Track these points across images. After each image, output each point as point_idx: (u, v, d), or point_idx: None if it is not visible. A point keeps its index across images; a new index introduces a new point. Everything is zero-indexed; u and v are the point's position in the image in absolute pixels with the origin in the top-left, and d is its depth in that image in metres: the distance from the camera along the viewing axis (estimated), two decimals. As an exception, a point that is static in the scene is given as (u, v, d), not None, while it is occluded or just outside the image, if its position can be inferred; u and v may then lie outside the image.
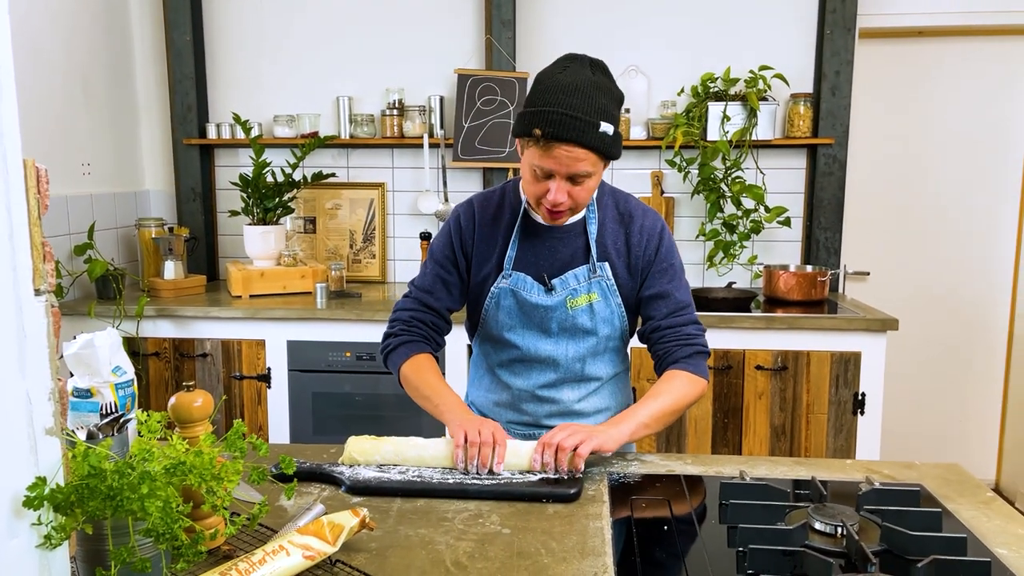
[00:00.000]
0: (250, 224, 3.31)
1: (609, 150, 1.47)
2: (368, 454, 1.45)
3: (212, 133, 3.54)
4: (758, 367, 2.92)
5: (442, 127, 3.44)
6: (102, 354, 1.49)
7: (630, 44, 3.46)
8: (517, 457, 1.44)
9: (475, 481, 1.39)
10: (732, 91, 3.32)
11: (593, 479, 1.44)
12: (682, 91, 3.43)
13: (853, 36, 3.27)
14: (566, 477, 1.41)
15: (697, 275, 3.54)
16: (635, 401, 1.65)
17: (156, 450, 1.01)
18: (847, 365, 2.89)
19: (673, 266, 1.66)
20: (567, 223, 1.64)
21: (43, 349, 0.89)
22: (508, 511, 1.31)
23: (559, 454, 1.42)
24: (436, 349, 1.73)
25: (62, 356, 1.36)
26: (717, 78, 3.33)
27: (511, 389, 1.71)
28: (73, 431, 1.22)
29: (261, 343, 3.04)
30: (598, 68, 1.50)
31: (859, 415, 2.91)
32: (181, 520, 0.95)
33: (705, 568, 1.14)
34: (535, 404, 1.71)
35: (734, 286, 3.32)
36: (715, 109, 3.28)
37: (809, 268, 3.31)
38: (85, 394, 1.50)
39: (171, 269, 3.28)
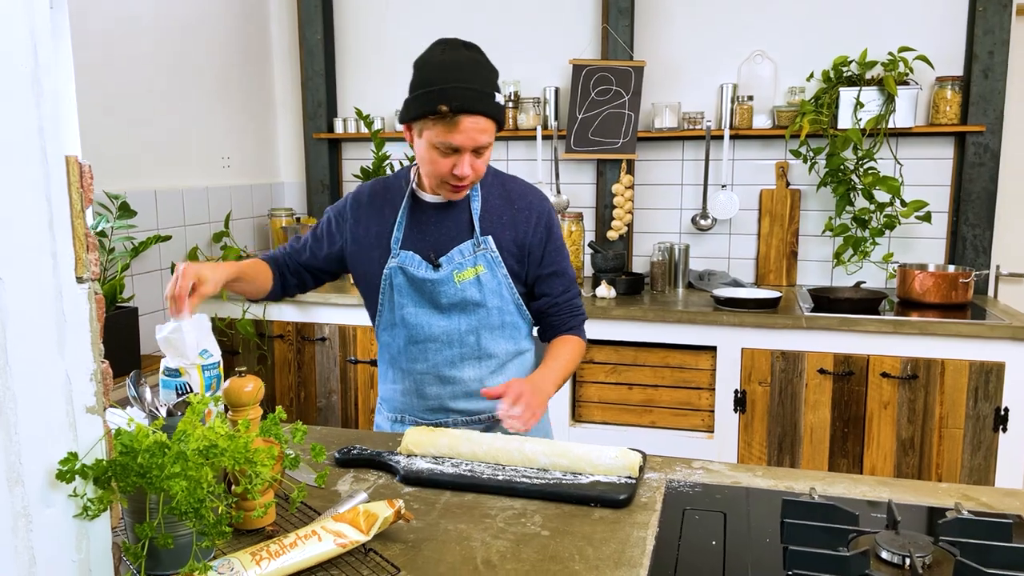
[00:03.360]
0: (370, 215, 3.43)
1: (504, 119, 1.62)
2: (424, 446, 1.46)
3: (339, 127, 3.69)
4: (884, 374, 2.70)
5: (556, 118, 3.41)
6: (189, 338, 1.59)
7: (755, 28, 3.28)
8: (521, 455, 1.42)
9: (524, 480, 1.37)
10: (868, 75, 3.08)
11: (650, 486, 1.38)
12: (811, 76, 3.21)
13: (1010, 12, 2.94)
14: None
15: (824, 273, 3.32)
16: None
17: (197, 431, 1.06)
18: (988, 376, 2.62)
19: (563, 244, 1.78)
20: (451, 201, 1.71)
21: (85, 333, 0.95)
22: (553, 512, 1.28)
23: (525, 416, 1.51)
24: (280, 276, 1.84)
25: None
26: (851, 61, 3.10)
27: (412, 374, 1.74)
28: (157, 407, 1.31)
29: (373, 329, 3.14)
30: (472, 47, 1.60)
31: (1000, 432, 2.63)
32: (208, 500, 0.99)
33: (746, 590, 1.06)
34: (438, 386, 1.73)
35: (863, 286, 3.08)
36: (847, 95, 3.05)
37: (951, 268, 3.02)
38: (175, 374, 1.61)
39: (298, 257, 3.45)
